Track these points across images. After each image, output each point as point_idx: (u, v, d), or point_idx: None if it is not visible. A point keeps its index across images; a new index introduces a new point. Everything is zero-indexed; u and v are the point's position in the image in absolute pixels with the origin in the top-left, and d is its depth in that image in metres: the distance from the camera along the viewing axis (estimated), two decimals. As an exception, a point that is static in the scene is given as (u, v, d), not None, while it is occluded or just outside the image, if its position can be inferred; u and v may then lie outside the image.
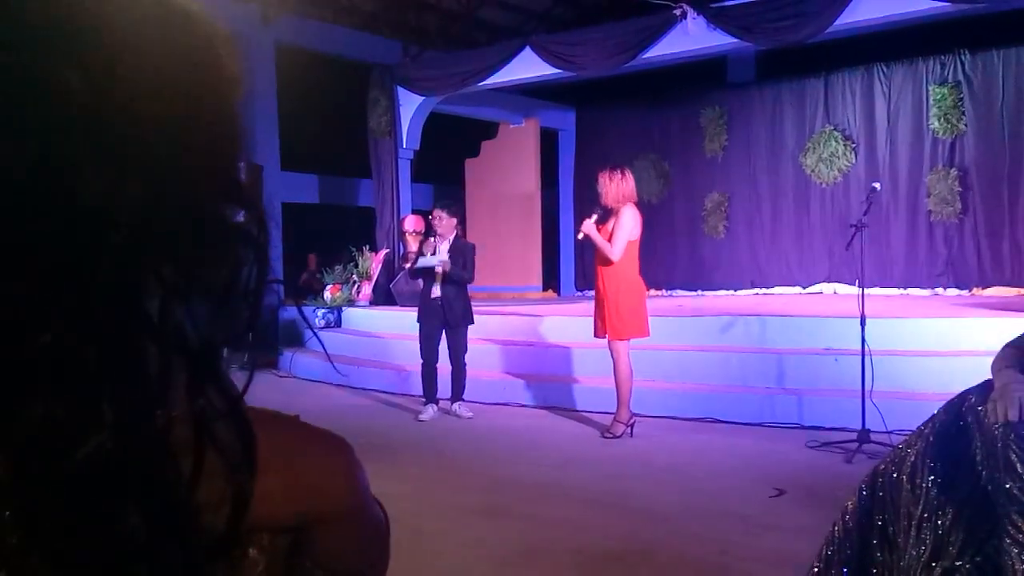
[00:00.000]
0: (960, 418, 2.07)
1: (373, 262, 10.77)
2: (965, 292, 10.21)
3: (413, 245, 8.41)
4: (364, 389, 8.28)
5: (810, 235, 11.47)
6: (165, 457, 0.48)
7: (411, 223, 10.34)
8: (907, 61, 10.63)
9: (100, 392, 0.46)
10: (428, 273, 6.82)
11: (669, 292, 12.25)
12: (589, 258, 7.24)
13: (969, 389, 2.12)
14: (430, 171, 13.28)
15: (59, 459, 0.45)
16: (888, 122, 10.83)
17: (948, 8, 7.69)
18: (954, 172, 10.32)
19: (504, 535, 3.93)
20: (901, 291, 10.60)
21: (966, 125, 10.28)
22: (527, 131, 13.11)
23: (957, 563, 1.95)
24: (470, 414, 6.85)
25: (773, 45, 9.17)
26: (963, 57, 10.27)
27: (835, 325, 6.70)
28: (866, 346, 5.28)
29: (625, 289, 5.85)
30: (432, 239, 6.94)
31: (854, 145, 11.09)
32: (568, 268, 13.99)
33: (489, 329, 8.08)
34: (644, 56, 9.25)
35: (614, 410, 6.02)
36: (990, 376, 2.09)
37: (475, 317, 7.01)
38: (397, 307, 9.73)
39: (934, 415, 2.17)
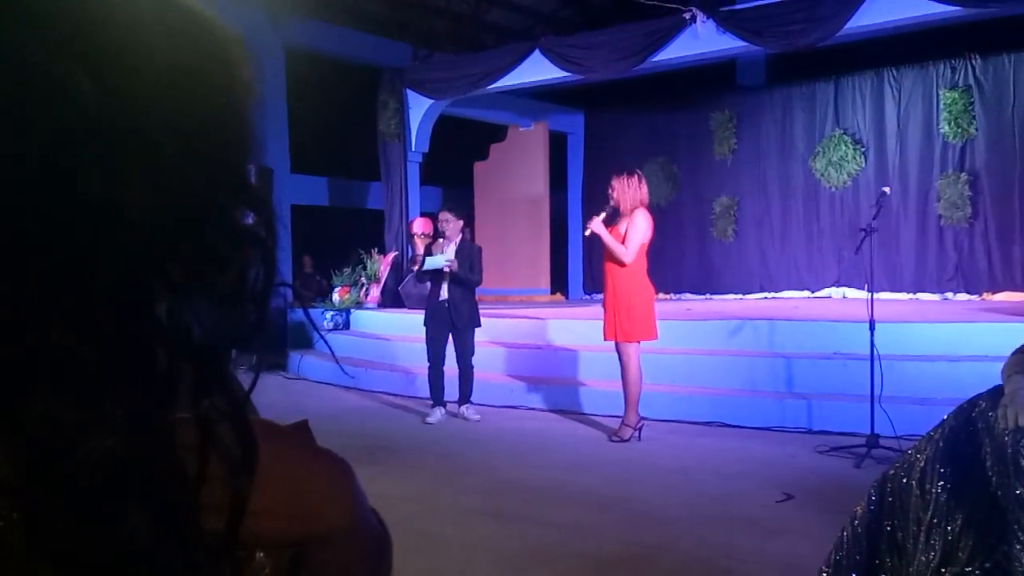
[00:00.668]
0: (970, 423, 2.06)
1: (381, 265, 10.79)
2: (975, 297, 10.17)
3: (421, 248, 8.42)
4: (372, 391, 8.28)
5: (819, 239, 11.44)
6: (167, 458, 0.48)
7: (419, 226, 10.37)
8: (917, 65, 10.60)
9: (101, 392, 0.46)
10: (435, 275, 6.82)
11: (678, 296, 12.23)
12: (597, 261, 7.23)
13: (979, 394, 2.11)
14: (439, 174, 13.30)
15: (59, 459, 0.45)
16: (898, 126, 10.80)
17: (959, 12, 7.65)
18: (964, 176, 10.28)
19: (510, 538, 3.93)
20: (911, 296, 10.57)
21: (977, 129, 10.24)
22: (536, 134, 13.12)
23: (967, 569, 1.94)
24: (478, 417, 6.85)
25: (783, 49, 9.15)
26: (974, 61, 10.23)
27: (844, 329, 6.69)
28: (875, 350, 5.25)
29: (635, 291, 5.85)
30: (440, 241, 6.95)
31: (864, 149, 11.06)
32: (576, 271, 13.98)
33: (497, 332, 8.09)
34: (654, 59, 9.23)
35: (622, 413, 6.01)
36: (1000, 381, 2.08)
37: (483, 320, 7.02)
38: (405, 310, 9.74)
39: (944, 420, 2.15)
